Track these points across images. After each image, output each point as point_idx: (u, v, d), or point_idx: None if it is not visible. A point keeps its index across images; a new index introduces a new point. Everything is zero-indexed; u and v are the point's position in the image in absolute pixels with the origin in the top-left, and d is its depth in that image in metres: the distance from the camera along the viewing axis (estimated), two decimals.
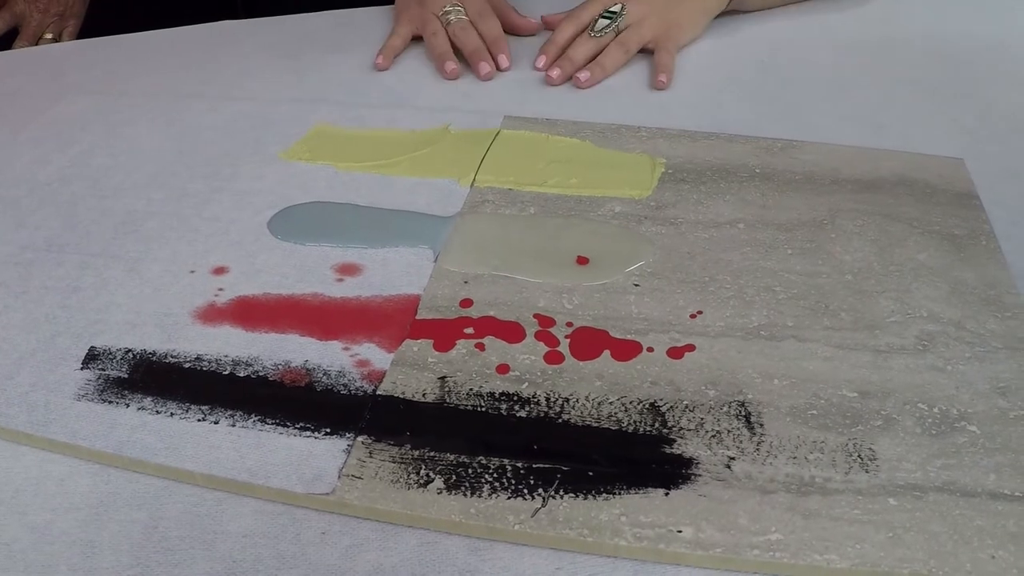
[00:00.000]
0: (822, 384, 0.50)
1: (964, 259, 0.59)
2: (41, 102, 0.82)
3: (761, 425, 0.48)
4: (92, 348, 0.55)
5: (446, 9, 0.85)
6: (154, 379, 0.52)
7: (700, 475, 0.45)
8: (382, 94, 0.81)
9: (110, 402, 0.51)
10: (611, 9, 0.81)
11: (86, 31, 1.08)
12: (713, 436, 0.47)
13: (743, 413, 0.49)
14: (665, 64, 0.80)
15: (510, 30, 0.88)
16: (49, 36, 1.05)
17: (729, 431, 0.48)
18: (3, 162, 0.73)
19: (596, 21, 0.80)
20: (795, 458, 0.46)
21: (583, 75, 0.79)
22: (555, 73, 0.79)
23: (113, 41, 0.95)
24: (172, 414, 0.50)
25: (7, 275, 0.61)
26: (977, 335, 0.53)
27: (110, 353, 0.54)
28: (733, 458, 0.46)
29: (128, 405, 0.51)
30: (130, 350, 0.54)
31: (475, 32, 0.84)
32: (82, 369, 0.53)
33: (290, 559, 0.44)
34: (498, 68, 0.83)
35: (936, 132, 0.72)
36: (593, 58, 0.81)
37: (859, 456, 0.46)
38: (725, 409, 0.49)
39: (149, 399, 0.51)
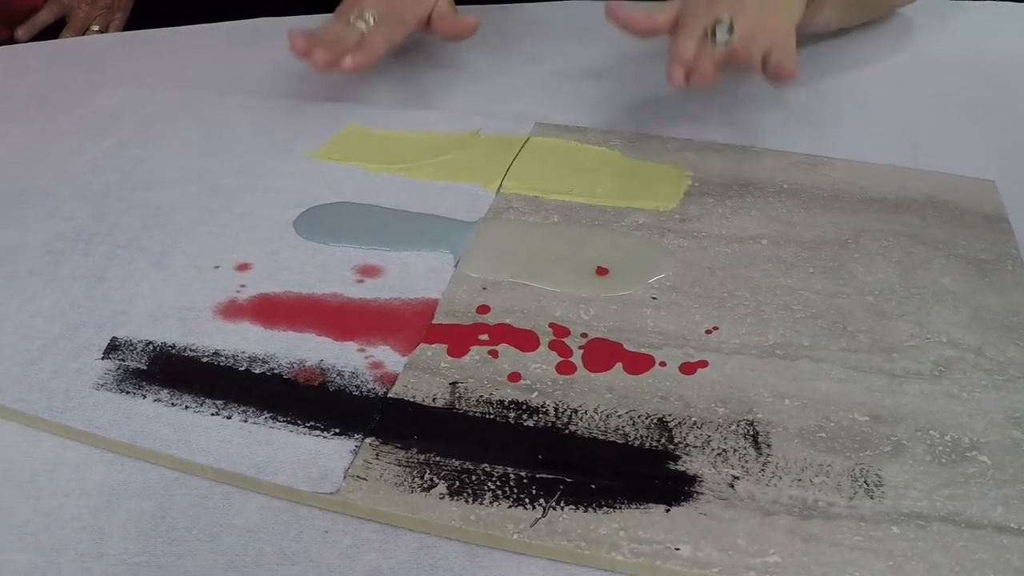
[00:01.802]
0: (833, 406, 0.50)
1: (989, 284, 0.58)
2: (80, 93, 0.84)
3: (768, 445, 0.48)
4: (114, 339, 0.56)
5: (364, 12, 0.78)
6: (172, 372, 0.53)
7: (703, 493, 0.45)
8: (415, 96, 0.81)
9: (128, 392, 0.52)
10: (722, 20, 0.70)
11: (132, 24, 1.09)
12: (719, 454, 0.47)
13: (751, 432, 0.48)
14: (786, 60, 0.69)
15: (450, 31, 0.81)
16: (96, 28, 1.07)
17: (735, 450, 0.47)
18: (40, 151, 0.75)
19: (712, 35, 0.69)
20: (800, 480, 0.46)
21: (674, 73, 0.67)
22: (681, 76, 0.67)
23: (155, 35, 0.96)
24: (187, 407, 0.51)
25: (38, 263, 0.62)
26: (996, 363, 0.52)
27: (131, 344, 0.55)
28: (737, 477, 0.46)
29: (145, 396, 0.52)
30: (151, 342, 0.55)
31: (354, 37, 0.77)
32: (103, 359, 0.54)
33: (291, 556, 0.44)
34: (342, 62, 0.73)
35: (970, 152, 0.71)
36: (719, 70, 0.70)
37: (865, 481, 0.46)
38: (733, 428, 0.49)
39: (166, 391, 0.52)
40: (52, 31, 1.06)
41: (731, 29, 0.69)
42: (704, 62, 0.68)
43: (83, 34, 1.06)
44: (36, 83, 0.87)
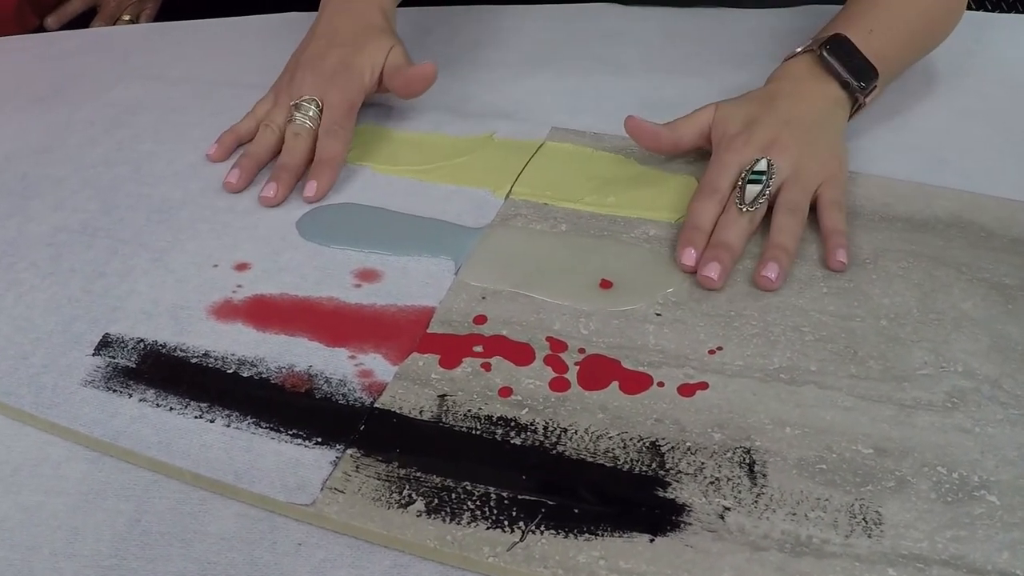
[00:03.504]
0: (837, 437, 0.48)
1: (1011, 312, 0.55)
2: (102, 83, 0.83)
3: (764, 476, 0.46)
4: (106, 335, 0.55)
5: (303, 101, 0.69)
6: (160, 371, 0.53)
7: (690, 523, 0.43)
8: (431, 97, 0.79)
9: (114, 391, 0.52)
10: (756, 169, 0.61)
11: (164, 14, 1.09)
12: (711, 483, 0.45)
13: (747, 461, 0.46)
14: (837, 228, 0.60)
15: (405, 87, 0.71)
16: (127, 18, 1.07)
17: (729, 479, 0.45)
18: (56, 142, 0.75)
19: (741, 188, 0.60)
20: (794, 515, 0.44)
21: (770, 272, 0.56)
22: (714, 272, 0.56)
23: (182, 27, 0.96)
24: (171, 408, 0.50)
25: (39, 255, 0.62)
26: (1013, 396, 0.50)
27: (122, 341, 0.55)
28: (728, 508, 0.44)
29: (131, 395, 0.51)
30: (142, 340, 0.55)
31: (305, 147, 0.68)
32: (93, 355, 0.54)
33: (263, 567, 0.43)
34: (304, 193, 0.65)
35: (999, 170, 0.68)
36: (749, 237, 0.60)
37: (864, 519, 0.43)
38: (729, 455, 0.47)
39: (152, 391, 0.51)
40: (83, 20, 1.06)
41: (769, 173, 0.60)
42: (730, 231, 0.58)
43: (114, 24, 1.06)
44: (60, 72, 0.87)
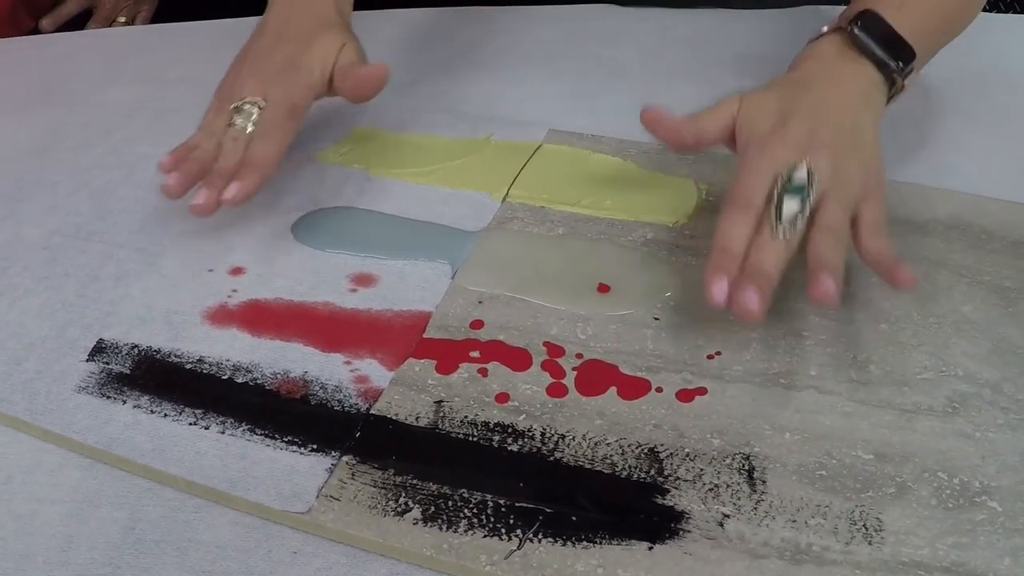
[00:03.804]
0: (837, 442, 0.47)
1: (1012, 314, 0.55)
2: (97, 86, 0.83)
3: (764, 482, 0.45)
4: (100, 340, 0.55)
5: (244, 103, 0.63)
6: (154, 377, 0.52)
7: (689, 531, 0.43)
8: (429, 98, 0.79)
9: (108, 397, 0.51)
10: (795, 178, 0.52)
11: (160, 15, 1.09)
12: (710, 490, 0.45)
13: (746, 467, 0.46)
14: (885, 252, 0.52)
15: (354, 89, 0.65)
16: (122, 20, 1.06)
17: (728, 485, 0.45)
18: (51, 144, 0.74)
19: (778, 204, 0.52)
20: (794, 522, 0.43)
21: (826, 284, 0.49)
22: (754, 302, 0.48)
23: (178, 28, 0.96)
24: (166, 415, 0.50)
25: (33, 259, 0.62)
26: (1014, 400, 0.49)
27: (116, 347, 0.54)
28: (728, 515, 0.44)
29: (125, 402, 0.51)
30: (136, 345, 0.54)
31: (240, 152, 0.62)
32: (87, 361, 0.53)
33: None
34: (221, 197, 0.59)
35: (1000, 173, 0.68)
36: (787, 265, 0.52)
37: (864, 525, 0.43)
38: (728, 461, 0.46)
39: (146, 398, 0.51)
40: (78, 23, 1.05)
41: (809, 184, 0.52)
42: (768, 257, 0.50)
43: (109, 26, 1.05)
44: (55, 74, 0.86)
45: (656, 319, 0.55)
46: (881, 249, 0.52)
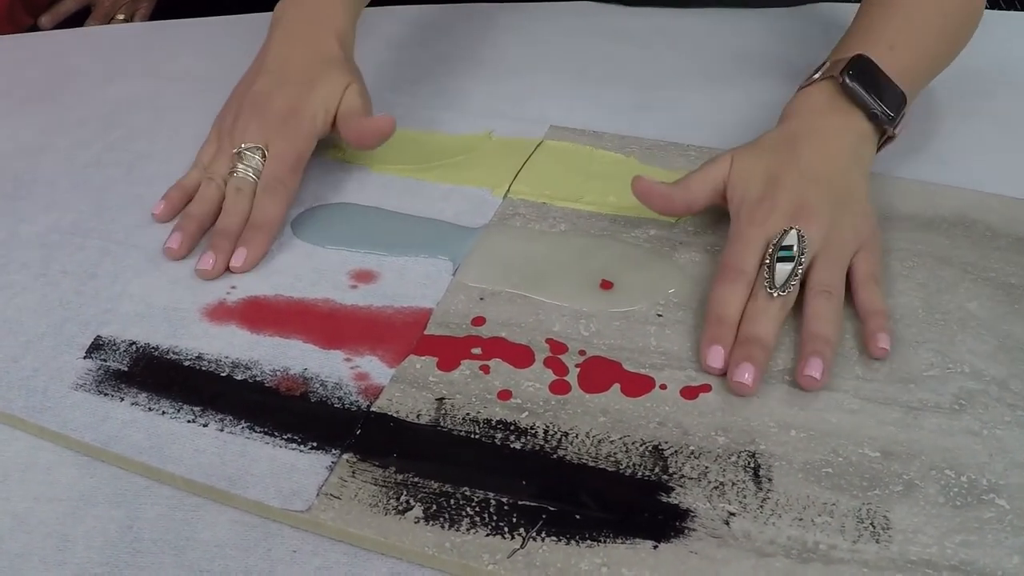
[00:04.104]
0: (843, 440, 0.47)
1: (1018, 311, 0.54)
2: (95, 83, 0.82)
3: (769, 480, 0.45)
4: (98, 337, 0.54)
5: (245, 149, 0.62)
6: (152, 375, 0.52)
7: (695, 529, 0.42)
8: (429, 95, 0.79)
9: (106, 394, 0.51)
10: (785, 243, 0.53)
11: (160, 13, 1.08)
12: (716, 488, 0.44)
13: (752, 465, 0.45)
14: (877, 308, 0.53)
15: (358, 139, 0.64)
16: (121, 17, 1.06)
17: (734, 483, 0.45)
18: (47, 142, 0.74)
19: (770, 268, 0.52)
20: (801, 520, 0.43)
21: (813, 370, 0.49)
22: (748, 376, 0.48)
23: (177, 25, 0.95)
24: (164, 412, 0.49)
25: (30, 256, 0.61)
26: (1021, 397, 0.49)
27: (114, 344, 0.54)
28: (733, 514, 0.43)
29: (123, 399, 0.50)
30: (134, 342, 0.54)
31: (246, 205, 0.61)
32: (85, 358, 0.53)
33: (257, 574, 0.42)
34: (230, 264, 0.58)
35: (1006, 169, 0.67)
36: (782, 326, 0.52)
37: (871, 524, 0.43)
38: (733, 459, 0.46)
39: (144, 395, 0.50)
40: (77, 20, 1.05)
41: (800, 248, 0.53)
42: (761, 322, 0.51)
43: (108, 23, 1.05)
44: (53, 72, 0.86)
45: (659, 316, 0.54)
46: (873, 303, 0.53)
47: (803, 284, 0.53)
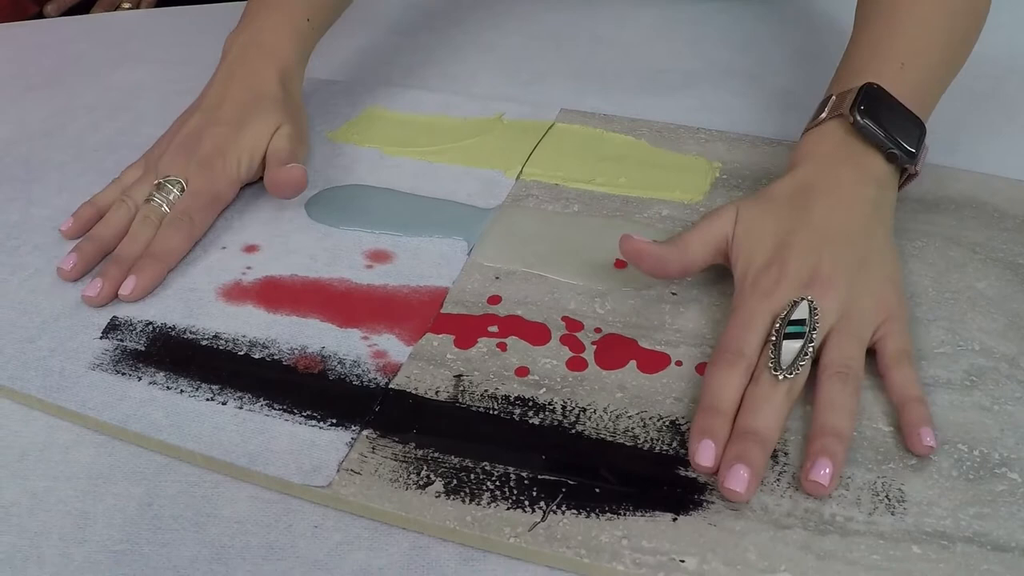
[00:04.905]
0: (857, 414, 0.47)
1: None
2: (103, 68, 0.83)
3: (785, 454, 0.45)
4: (114, 318, 0.54)
5: (165, 181, 0.60)
6: (169, 354, 0.52)
7: (713, 502, 0.43)
8: (439, 79, 0.79)
9: (123, 374, 0.51)
10: (794, 317, 0.47)
11: (164, 2, 1.08)
12: None
13: None
14: (915, 395, 0.46)
15: (273, 188, 0.61)
16: (127, 5, 1.05)
17: None
18: (57, 126, 0.74)
19: (776, 347, 0.46)
20: None
21: (820, 475, 0.42)
22: (741, 483, 0.42)
23: (184, 11, 0.95)
24: (182, 391, 0.50)
25: (43, 239, 0.61)
26: None
27: (131, 324, 0.54)
28: None
29: (140, 378, 0.50)
30: (151, 322, 0.54)
31: (148, 236, 0.58)
32: (101, 338, 0.53)
33: (279, 550, 0.43)
34: (120, 292, 0.55)
35: (1011, 152, 0.68)
36: (788, 416, 0.46)
37: (887, 496, 0.43)
38: None
39: (162, 374, 0.51)
40: (83, 10, 1.04)
41: (811, 323, 0.46)
42: (762, 413, 0.44)
43: (115, 10, 1.04)
44: (60, 58, 0.86)
45: (674, 294, 0.55)
46: (910, 389, 0.46)
47: (816, 362, 0.47)
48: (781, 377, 0.45)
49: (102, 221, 0.60)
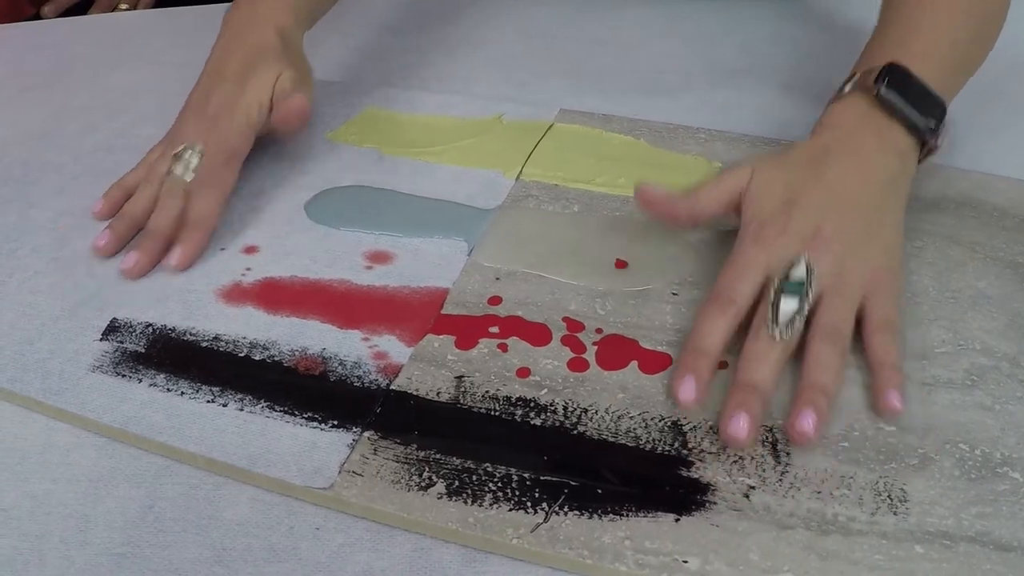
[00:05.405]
0: (859, 415, 0.47)
1: None
2: (101, 69, 0.82)
3: (788, 454, 0.45)
4: (114, 320, 0.54)
5: (184, 150, 0.61)
6: (170, 356, 0.52)
7: (715, 503, 0.43)
8: (438, 80, 0.79)
9: (123, 376, 0.51)
10: (794, 276, 0.48)
11: (162, 2, 1.08)
12: (735, 462, 0.45)
13: (770, 439, 0.46)
14: (889, 361, 0.48)
15: (281, 122, 0.64)
16: (124, 6, 1.05)
17: (753, 458, 0.45)
18: (54, 128, 0.74)
19: (775, 304, 0.48)
20: (819, 493, 0.43)
21: (806, 424, 0.44)
22: (743, 429, 0.44)
23: (181, 12, 0.95)
24: (182, 393, 0.49)
25: (42, 240, 0.61)
26: None
27: (130, 326, 0.54)
28: (753, 487, 0.44)
29: (140, 380, 0.50)
30: (150, 324, 0.54)
31: (177, 206, 0.59)
32: (101, 340, 0.53)
33: (280, 552, 0.42)
34: (168, 262, 0.58)
35: (1011, 151, 0.68)
36: (781, 372, 0.47)
37: (889, 496, 0.43)
38: None
39: (162, 376, 0.50)
40: (80, 11, 1.04)
41: (808, 282, 0.48)
42: (761, 367, 0.46)
43: (112, 11, 1.04)
44: (58, 59, 0.86)
45: (675, 294, 0.55)
46: (886, 354, 0.48)
47: (808, 322, 0.48)
48: (778, 336, 0.47)
49: (131, 199, 0.61)
